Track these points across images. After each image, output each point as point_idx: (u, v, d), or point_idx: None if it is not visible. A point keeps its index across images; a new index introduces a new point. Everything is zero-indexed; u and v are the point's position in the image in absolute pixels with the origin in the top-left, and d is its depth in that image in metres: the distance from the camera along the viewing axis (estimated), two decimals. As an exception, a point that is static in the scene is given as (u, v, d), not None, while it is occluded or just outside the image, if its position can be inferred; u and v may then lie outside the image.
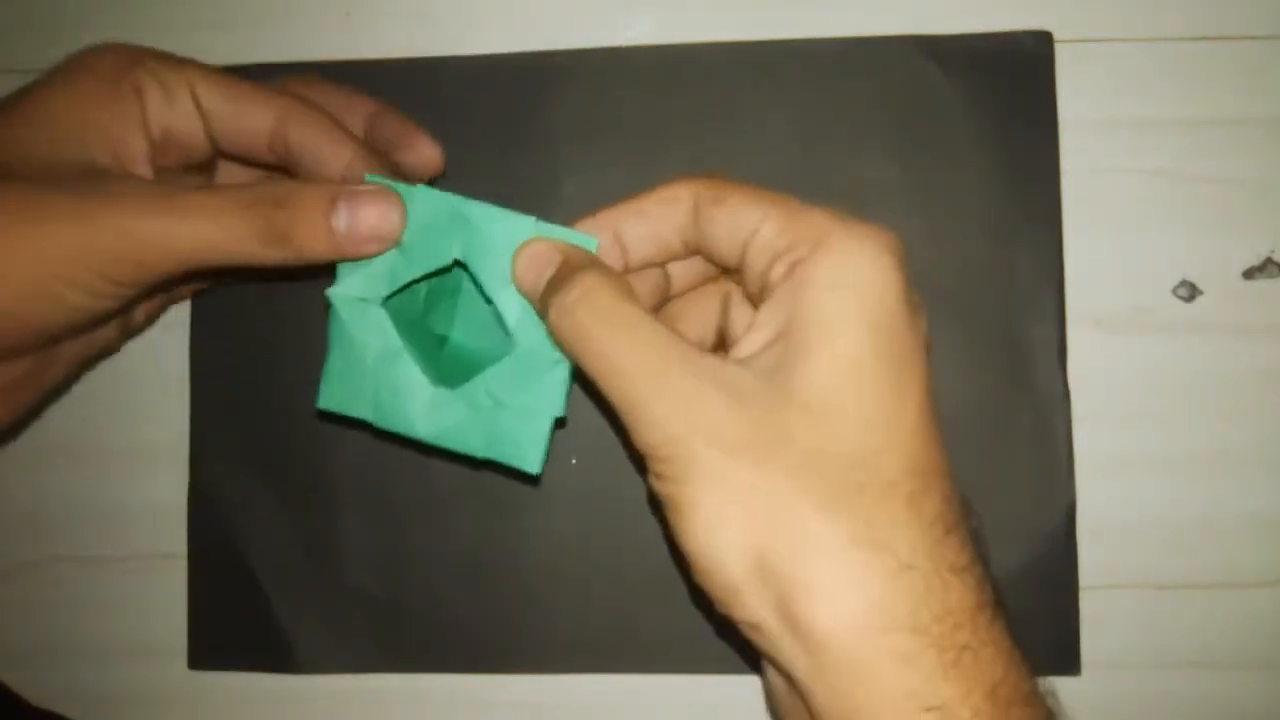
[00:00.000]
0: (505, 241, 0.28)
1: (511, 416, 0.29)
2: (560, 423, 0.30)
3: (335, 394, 0.30)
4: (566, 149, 0.38)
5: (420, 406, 0.30)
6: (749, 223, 0.26)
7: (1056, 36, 0.37)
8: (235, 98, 0.31)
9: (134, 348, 0.39)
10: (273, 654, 0.38)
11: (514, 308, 0.29)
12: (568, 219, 0.29)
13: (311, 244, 0.28)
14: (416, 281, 0.30)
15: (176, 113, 0.31)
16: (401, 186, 0.29)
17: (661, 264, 0.30)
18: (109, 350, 0.36)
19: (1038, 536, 0.36)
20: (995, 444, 0.36)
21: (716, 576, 0.24)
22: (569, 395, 0.30)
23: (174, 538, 0.38)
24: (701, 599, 0.26)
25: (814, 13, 0.38)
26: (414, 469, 0.38)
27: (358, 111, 0.33)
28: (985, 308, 0.37)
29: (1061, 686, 0.36)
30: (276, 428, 0.38)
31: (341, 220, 0.28)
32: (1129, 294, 0.37)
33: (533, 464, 0.30)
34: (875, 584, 0.23)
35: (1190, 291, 0.37)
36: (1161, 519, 0.37)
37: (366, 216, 0.28)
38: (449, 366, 0.32)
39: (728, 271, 0.29)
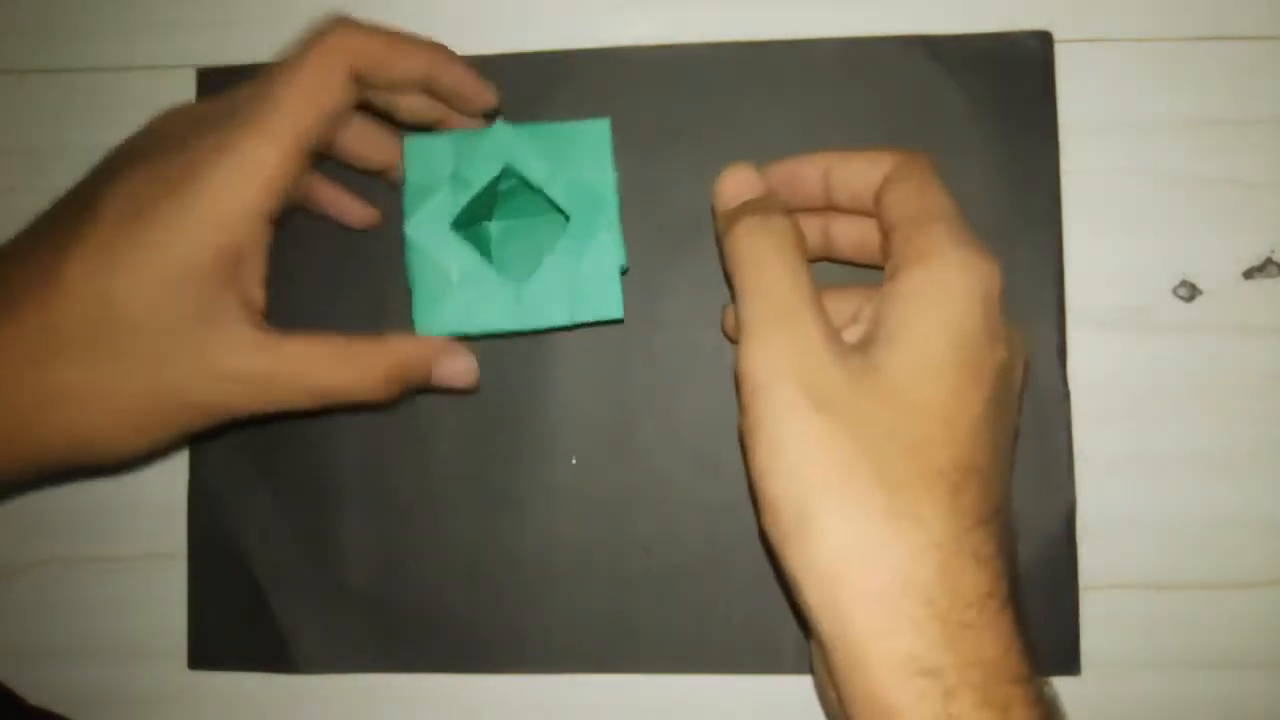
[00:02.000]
0: (542, 145, 0.34)
1: (584, 280, 0.34)
2: (624, 271, 0.34)
3: (428, 319, 0.34)
4: None
5: (507, 304, 0.34)
6: (872, 184, 0.31)
7: (1056, 36, 0.37)
8: (389, 46, 0.33)
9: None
10: (272, 654, 0.38)
11: (561, 193, 0.34)
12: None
13: (417, 383, 0.34)
14: (470, 207, 0.34)
15: (335, 125, 0.33)
16: (440, 135, 0.34)
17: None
18: None
19: (1038, 536, 0.36)
20: (995, 444, 0.36)
21: (775, 518, 0.26)
22: (624, 245, 0.34)
23: (174, 538, 0.38)
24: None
25: (814, 13, 0.38)
26: (414, 469, 0.38)
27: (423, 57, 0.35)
28: (985, 308, 0.37)
29: (1061, 686, 0.36)
30: (276, 427, 0.38)
31: (443, 370, 0.34)
32: (1129, 294, 0.37)
33: (614, 310, 0.34)
34: (903, 553, 0.25)
35: (1190, 291, 0.37)
36: (1161, 519, 0.37)
37: (455, 368, 0.34)
38: (506, 264, 0.37)
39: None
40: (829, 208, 0.33)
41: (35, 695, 0.38)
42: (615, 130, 0.35)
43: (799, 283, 0.28)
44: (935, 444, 0.26)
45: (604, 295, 0.34)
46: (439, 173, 0.34)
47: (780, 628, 0.36)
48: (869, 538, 0.25)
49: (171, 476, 0.38)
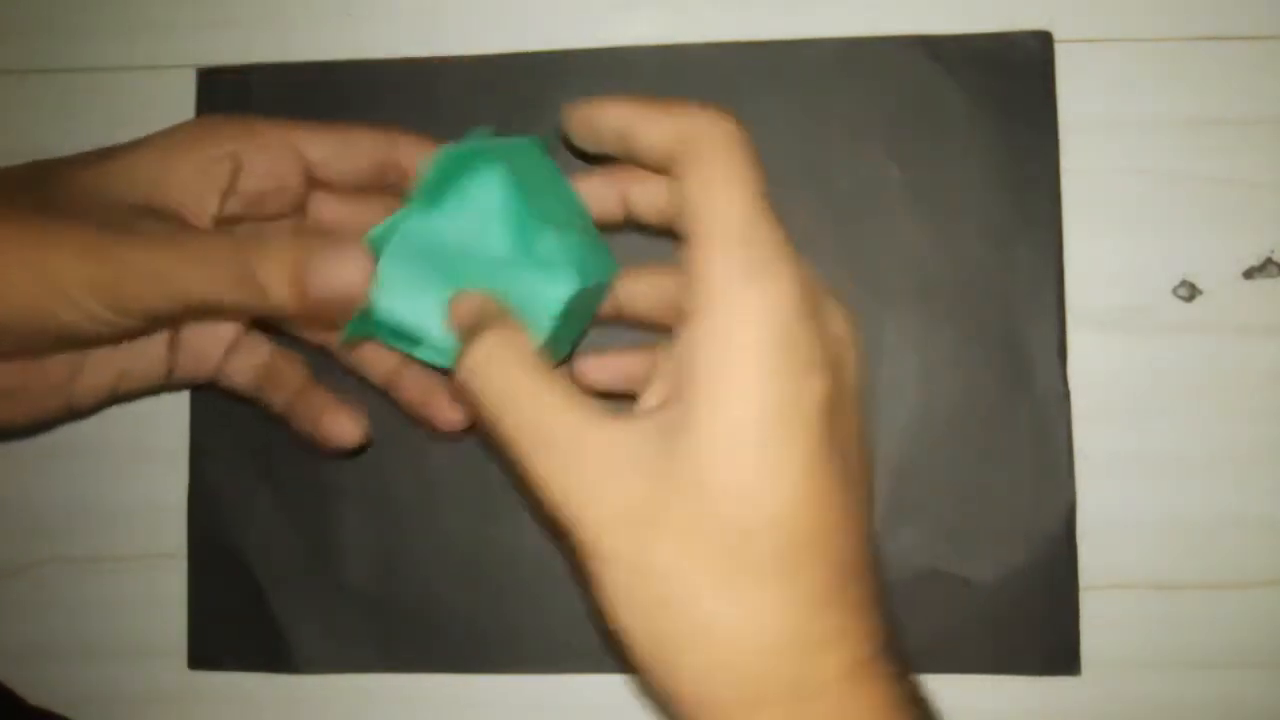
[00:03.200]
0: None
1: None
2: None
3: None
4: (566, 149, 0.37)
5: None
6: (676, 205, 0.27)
7: (1056, 36, 0.37)
8: (339, 139, 0.32)
9: (134, 348, 0.39)
10: (272, 654, 0.38)
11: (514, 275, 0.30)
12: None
13: (277, 294, 0.28)
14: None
15: (278, 172, 0.32)
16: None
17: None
18: (150, 388, 0.35)
19: (1038, 536, 0.36)
20: (995, 444, 0.36)
21: (632, 649, 0.25)
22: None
23: (174, 538, 0.38)
24: None
25: (814, 13, 0.38)
26: (414, 469, 0.38)
27: None
28: (985, 308, 0.37)
29: (1061, 686, 0.36)
30: (276, 428, 0.38)
31: (311, 275, 0.28)
32: (1129, 294, 0.37)
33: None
34: (754, 661, 0.24)
35: (1190, 291, 0.37)
36: (1161, 519, 0.37)
37: (335, 273, 0.28)
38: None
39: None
40: (629, 163, 0.29)
41: (35, 695, 0.38)
42: None
43: (542, 406, 0.25)
44: (758, 530, 0.24)
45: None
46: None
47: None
48: (710, 662, 0.24)
49: (171, 476, 0.38)
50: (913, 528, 0.36)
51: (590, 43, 0.38)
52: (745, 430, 0.24)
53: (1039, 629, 0.36)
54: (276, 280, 0.28)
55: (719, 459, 0.24)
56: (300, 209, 0.34)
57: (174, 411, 0.39)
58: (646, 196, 0.31)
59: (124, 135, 0.33)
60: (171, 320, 0.31)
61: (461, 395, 0.27)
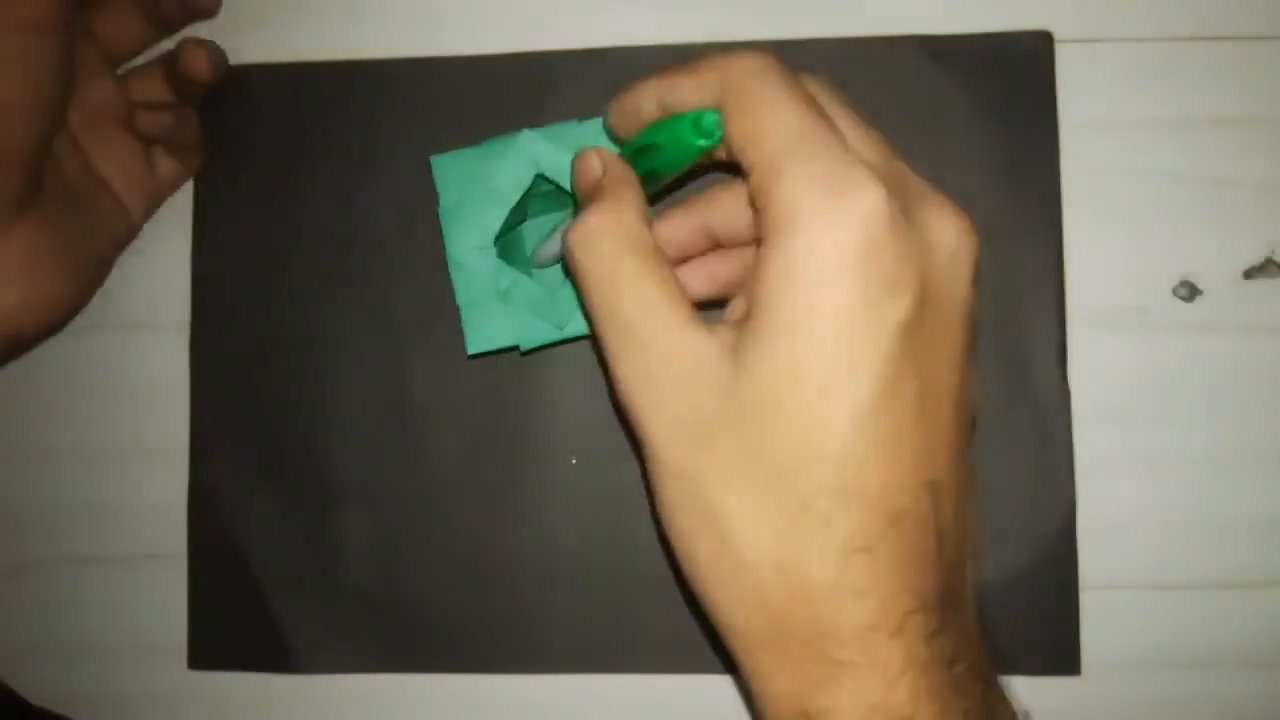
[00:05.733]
0: (567, 145, 0.34)
1: None
2: None
3: (479, 338, 0.34)
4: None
5: (555, 317, 0.34)
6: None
7: (1056, 36, 0.37)
8: None
9: (134, 347, 0.39)
10: (272, 654, 0.38)
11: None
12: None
13: None
14: (509, 219, 0.35)
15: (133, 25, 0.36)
16: (465, 151, 0.34)
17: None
18: (134, 231, 0.38)
19: (1038, 536, 0.36)
20: (995, 444, 0.36)
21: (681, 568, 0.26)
22: None
23: (174, 538, 0.38)
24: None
25: (814, 13, 0.38)
26: (414, 469, 0.38)
27: None
28: (985, 308, 0.37)
29: (1061, 686, 0.36)
30: (276, 428, 0.38)
31: None
32: (1129, 294, 0.37)
33: None
34: (776, 601, 0.24)
35: (1190, 291, 0.37)
36: (1161, 519, 0.37)
37: None
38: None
39: None
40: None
41: (35, 695, 0.38)
42: None
43: (639, 298, 0.25)
44: (806, 465, 0.23)
45: None
46: (471, 189, 0.34)
47: (780, 628, 0.36)
48: (749, 585, 0.24)
49: (171, 476, 0.38)
50: (913, 528, 0.36)
51: (590, 43, 0.38)
52: (810, 359, 0.23)
53: (1039, 629, 0.36)
54: None
55: (781, 385, 0.23)
56: None
57: (174, 411, 0.39)
58: (727, 219, 0.30)
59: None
60: None
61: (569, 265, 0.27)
